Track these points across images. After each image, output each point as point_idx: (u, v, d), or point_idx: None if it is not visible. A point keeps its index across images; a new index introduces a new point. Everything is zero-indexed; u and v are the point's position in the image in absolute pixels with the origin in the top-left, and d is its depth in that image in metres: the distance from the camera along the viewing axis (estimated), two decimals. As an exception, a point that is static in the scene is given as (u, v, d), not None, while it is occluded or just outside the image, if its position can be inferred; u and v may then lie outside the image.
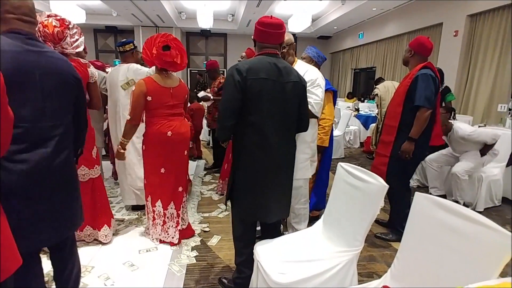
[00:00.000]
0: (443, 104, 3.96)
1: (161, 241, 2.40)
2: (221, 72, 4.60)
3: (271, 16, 1.61)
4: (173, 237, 2.36)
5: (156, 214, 2.36)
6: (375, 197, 1.45)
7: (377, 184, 1.45)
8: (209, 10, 7.11)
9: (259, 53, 1.62)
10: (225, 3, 7.75)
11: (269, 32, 1.58)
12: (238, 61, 3.16)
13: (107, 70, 3.44)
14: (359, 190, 1.54)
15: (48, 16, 1.88)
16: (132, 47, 2.79)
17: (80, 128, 1.47)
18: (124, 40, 2.85)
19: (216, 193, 3.52)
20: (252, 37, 1.66)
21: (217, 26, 8.75)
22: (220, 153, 4.24)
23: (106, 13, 8.71)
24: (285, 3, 6.92)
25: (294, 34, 8.52)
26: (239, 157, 1.64)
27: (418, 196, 1.31)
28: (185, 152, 2.36)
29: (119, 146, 2.21)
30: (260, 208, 1.66)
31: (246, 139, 1.59)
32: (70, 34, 1.94)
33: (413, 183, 4.00)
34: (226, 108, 1.54)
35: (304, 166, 2.13)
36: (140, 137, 2.40)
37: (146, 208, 2.44)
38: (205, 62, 11.20)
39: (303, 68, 2.09)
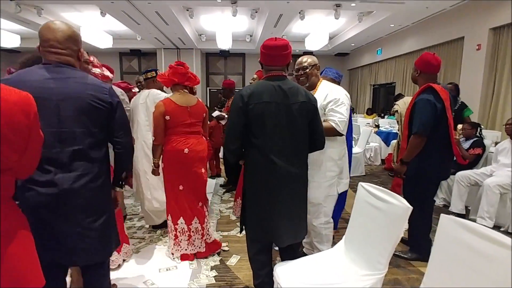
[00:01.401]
0: (462, 120, 3.86)
1: (182, 258, 2.41)
2: (237, 91, 4.69)
3: (276, 38, 1.66)
4: (199, 247, 2.42)
5: (179, 232, 2.40)
6: (399, 219, 1.41)
7: (401, 206, 1.42)
8: (228, 32, 7.35)
9: (264, 76, 1.67)
10: (243, 24, 7.99)
11: (273, 55, 1.63)
12: (250, 83, 3.25)
13: (133, 90, 3.61)
14: (382, 212, 1.50)
15: None
16: (154, 74, 2.97)
17: (120, 149, 1.44)
18: (149, 69, 3.06)
19: (233, 213, 3.51)
20: (259, 60, 1.72)
21: (235, 47, 8.99)
22: (233, 170, 4.29)
23: (131, 37, 9.19)
24: (302, 23, 7.05)
25: (311, 52, 8.62)
26: (247, 178, 1.69)
27: (444, 218, 1.26)
28: (202, 170, 2.40)
29: (153, 165, 2.40)
30: (270, 230, 1.65)
31: (252, 161, 1.64)
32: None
33: (438, 202, 3.84)
34: (229, 132, 1.62)
35: (330, 184, 2.12)
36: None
37: (168, 226, 2.48)
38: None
39: (327, 88, 2.12)
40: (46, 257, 1.16)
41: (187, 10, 6.61)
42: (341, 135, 2.04)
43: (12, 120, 0.83)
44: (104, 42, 7.40)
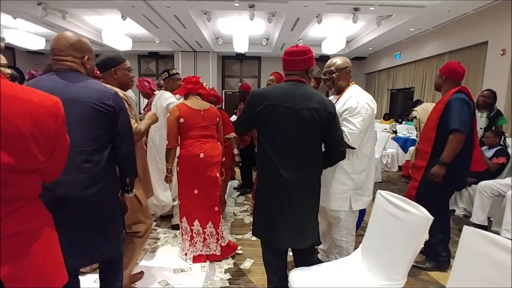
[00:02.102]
0: (493, 128, 3.72)
1: (195, 260, 2.43)
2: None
3: (297, 45, 1.69)
4: (215, 250, 2.45)
5: (195, 233, 2.43)
6: (419, 229, 1.38)
7: (421, 216, 1.38)
8: (245, 35, 7.40)
9: (283, 81, 1.71)
10: (260, 28, 8.03)
11: (290, 60, 1.67)
12: (267, 84, 3.23)
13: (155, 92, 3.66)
14: (401, 221, 1.47)
15: None
16: (166, 75, 3.02)
17: (120, 155, 1.45)
18: (163, 70, 3.11)
19: (249, 214, 3.52)
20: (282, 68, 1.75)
21: (251, 50, 9.03)
22: (247, 171, 4.30)
23: (149, 40, 9.38)
24: (319, 26, 7.01)
25: (327, 56, 8.53)
26: (258, 178, 1.76)
27: (467, 231, 1.22)
28: (217, 174, 2.42)
29: (165, 171, 2.43)
30: (273, 232, 1.65)
31: (262, 161, 1.68)
32: None
33: (458, 211, 3.72)
34: (237, 126, 1.86)
35: (342, 198, 2.00)
36: (162, 158, 2.67)
37: (180, 229, 2.51)
38: (240, 83, 11.56)
39: (350, 94, 2.00)
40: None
41: (205, 14, 6.70)
42: (352, 148, 1.90)
43: (42, 123, 0.87)
44: (124, 45, 7.59)
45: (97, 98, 1.35)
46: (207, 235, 2.43)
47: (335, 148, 1.69)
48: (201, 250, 2.44)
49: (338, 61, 2.07)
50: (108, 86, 1.54)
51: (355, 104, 1.91)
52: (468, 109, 2.14)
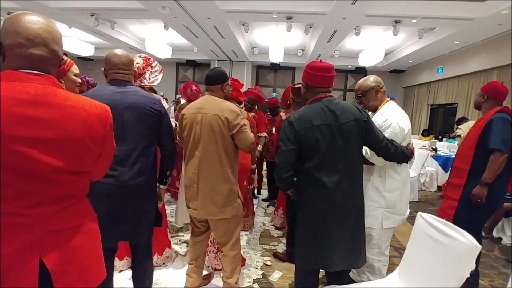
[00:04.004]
0: None
1: (216, 269, 2.43)
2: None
3: (321, 60, 1.66)
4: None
5: (210, 241, 2.41)
6: (465, 258, 1.29)
7: (467, 243, 1.29)
8: (281, 46, 7.47)
9: (312, 99, 1.64)
10: (296, 39, 8.06)
11: (327, 77, 1.61)
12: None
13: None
14: (444, 247, 1.39)
15: (139, 56, 2.16)
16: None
17: (164, 150, 1.72)
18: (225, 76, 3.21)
19: (272, 225, 3.48)
20: (301, 81, 1.72)
21: (286, 60, 9.07)
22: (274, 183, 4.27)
23: (188, 49, 9.76)
24: (356, 38, 6.90)
25: (364, 68, 8.34)
26: (300, 201, 1.63)
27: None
28: (244, 182, 2.43)
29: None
30: (322, 256, 1.58)
31: (304, 185, 1.60)
32: (151, 71, 2.18)
33: (506, 240, 3.43)
34: (282, 160, 1.57)
35: (373, 215, 1.97)
36: None
37: None
38: (272, 93, 11.63)
39: (383, 110, 2.01)
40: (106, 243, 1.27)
41: (243, 25, 6.87)
42: (371, 163, 1.91)
43: (92, 130, 0.95)
44: (164, 53, 7.98)
45: (148, 104, 1.60)
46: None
47: (385, 154, 1.72)
48: (212, 262, 2.41)
49: (363, 83, 2.09)
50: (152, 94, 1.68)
51: (382, 121, 1.93)
52: (511, 129, 2.05)
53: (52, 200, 0.89)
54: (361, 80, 2.12)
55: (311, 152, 1.54)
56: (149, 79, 2.20)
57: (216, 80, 1.89)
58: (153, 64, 2.21)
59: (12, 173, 0.82)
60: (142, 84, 2.16)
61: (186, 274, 2.10)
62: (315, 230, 1.58)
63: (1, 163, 0.80)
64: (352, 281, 2.13)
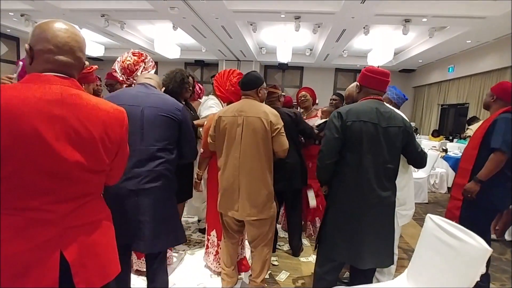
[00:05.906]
0: None
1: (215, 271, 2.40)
2: (294, 104, 4.78)
3: (378, 66, 1.73)
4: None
5: (210, 243, 2.42)
6: (475, 261, 1.27)
7: (477, 247, 1.28)
8: (289, 46, 7.45)
9: (364, 98, 1.72)
10: (304, 38, 8.03)
11: (383, 80, 1.69)
12: (332, 103, 3.24)
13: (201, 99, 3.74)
14: (454, 250, 1.37)
15: (131, 52, 2.11)
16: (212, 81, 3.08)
17: (184, 152, 1.73)
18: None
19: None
20: (357, 82, 1.79)
21: (294, 60, 9.04)
22: None
23: (196, 49, 9.80)
24: (365, 37, 6.83)
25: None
26: (336, 193, 1.70)
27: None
28: None
29: (195, 177, 2.37)
30: (352, 250, 1.62)
31: (344, 176, 1.65)
32: (144, 67, 2.13)
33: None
34: (327, 148, 1.66)
35: None
36: None
37: (207, 241, 2.48)
38: (283, 94, 11.57)
39: None
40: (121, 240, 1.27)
41: (251, 25, 6.87)
42: None
43: (110, 130, 1.00)
44: (173, 53, 8.06)
45: (169, 107, 1.64)
46: (220, 248, 2.34)
47: (413, 160, 1.82)
48: (211, 264, 2.41)
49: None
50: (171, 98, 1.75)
51: None
52: None
53: (72, 197, 0.94)
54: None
55: (353, 147, 1.61)
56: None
57: (252, 85, 1.94)
58: (146, 60, 2.15)
59: (39, 170, 0.86)
60: (134, 81, 2.08)
61: (223, 275, 2.17)
62: (348, 226, 1.64)
63: (29, 161, 0.84)
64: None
